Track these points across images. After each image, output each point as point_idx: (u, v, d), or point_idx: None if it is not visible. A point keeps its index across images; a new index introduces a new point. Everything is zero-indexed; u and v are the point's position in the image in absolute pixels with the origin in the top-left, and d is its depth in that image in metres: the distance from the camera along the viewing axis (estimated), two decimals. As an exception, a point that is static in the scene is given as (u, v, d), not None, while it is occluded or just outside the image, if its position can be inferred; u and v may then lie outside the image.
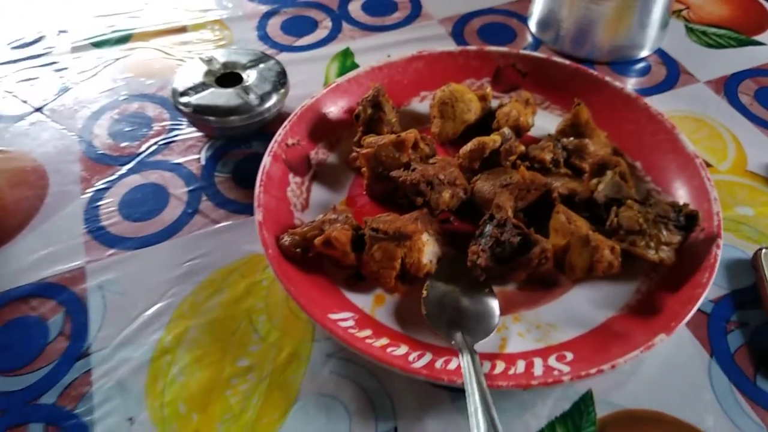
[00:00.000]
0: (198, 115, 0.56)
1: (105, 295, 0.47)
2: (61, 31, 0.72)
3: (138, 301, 0.47)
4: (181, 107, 0.56)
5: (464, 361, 0.39)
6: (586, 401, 0.41)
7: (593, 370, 0.38)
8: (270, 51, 0.68)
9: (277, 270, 0.44)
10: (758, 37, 0.69)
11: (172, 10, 0.74)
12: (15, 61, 0.68)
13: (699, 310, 0.45)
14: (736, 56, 0.67)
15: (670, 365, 0.43)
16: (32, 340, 0.45)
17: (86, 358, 0.44)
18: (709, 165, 0.55)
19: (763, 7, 0.74)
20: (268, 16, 0.74)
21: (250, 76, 0.58)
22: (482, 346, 0.42)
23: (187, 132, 0.60)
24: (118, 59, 0.69)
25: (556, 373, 0.40)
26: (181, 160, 0.57)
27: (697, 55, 0.67)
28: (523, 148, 0.52)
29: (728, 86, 0.63)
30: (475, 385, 0.38)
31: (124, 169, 0.57)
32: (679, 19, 0.72)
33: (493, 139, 0.51)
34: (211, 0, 0.76)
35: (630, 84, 0.65)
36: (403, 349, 0.42)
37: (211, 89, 0.57)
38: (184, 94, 0.57)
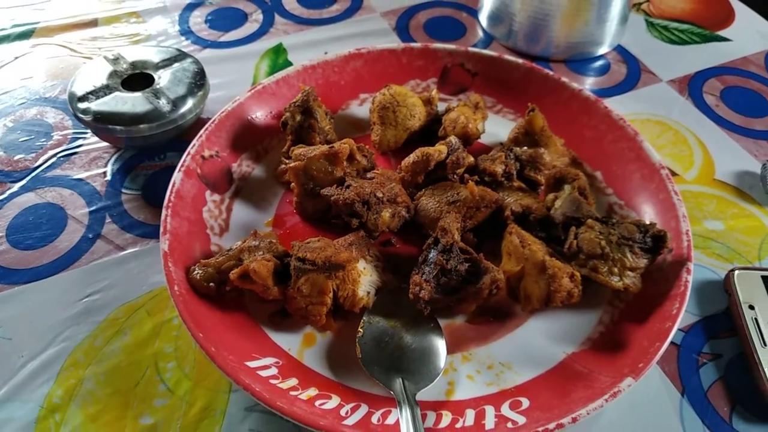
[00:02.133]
0: (100, 123, 0.48)
1: (-16, 341, 0.40)
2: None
3: (24, 348, 0.40)
4: (80, 115, 0.48)
5: (403, 418, 0.33)
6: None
7: (552, 425, 0.33)
8: (192, 48, 0.61)
9: (184, 311, 0.37)
10: (723, 32, 0.65)
11: (82, 1, 0.66)
12: None
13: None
14: (700, 53, 0.63)
15: (637, 405, 0.38)
16: None
17: (-45, 422, 0.37)
18: (674, 174, 0.51)
19: (727, 0, 0.70)
20: (191, 7, 0.66)
21: (162, 78, 0.51)
22: (427, 392, 0.36)
23: (93, 142, 0.53)
24: (17, 58, 0.60)
25: (510, 425, 0.34)
26: (83, 175, 0.50)
27: (658, 52, 0.63)
28: (471, 159, 0.46)
29: (692, 86, 0.59)
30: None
31: (16, 186, 0.49)
32: (640, 14, 0.68)
33: (439, 150, 0.45)
34: (128, -10, 0.68)
35: (588, 84, 0.60)
36: (334, 401, 0.36)
37: (116, 93, 0.50)
38: (83, 99, 0.49)
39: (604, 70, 0.61)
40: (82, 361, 0.39)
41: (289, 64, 0.60)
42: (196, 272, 0.40)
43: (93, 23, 0.64)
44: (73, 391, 0.38)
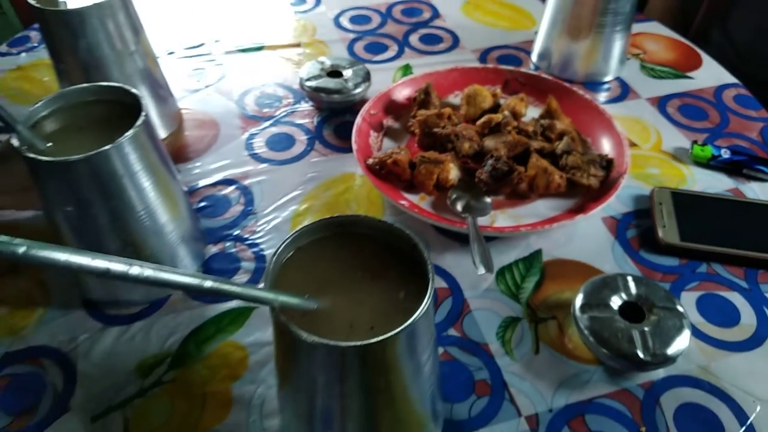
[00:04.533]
0: (316, 93, 0.90)
1: (262, 187, 0.81)
2: (216, 41, 1.08)
3: (280, 191, 0.80)
4: (306, 88, 0.90)
5: (469, 221, 0.71)
6: (537, 253, 0.72)
7: (539, 227, 0.70)
8: (357, 62, 1.03)
9: (367, 175, 0.76)
10: (690, 73, 1.01)
11: (291, 31, 1.10)
12: (189, 57, 1.04)
13: (612, 217, 0.77)
14: (671, 84, 0.99)
15: (590, 241, 0.74)
16: (222, 204, 0.78)
17: (254, 215, 0.77)
18: (636, 144, 0.87)
19: (698, 54, 1.06)
20: (354, 41, 1.09)
21: (348, 73, 0.93)
22: (482, 221, 0.73)
23: (304, 107, 0.94)
24: (256, 60, 1.04)
25: (520, 230, 0.71)
26: (301, 121, 0.91)
27: (644, 82, 0.99)
28: (515, 123, 0.84)
29: (661, 102, 0.95)
30: (474, 231, 0.69)
31: (267, 124, 0.91)
32: (637, 60, 1.05)
33: (498, 116, 0.84)
34: (317, 27, 1.12)
35: (597, 97, 0.97)
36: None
37: (324, 78, 0.91)
38: (308, 80, 0.91)
39: (607, 90, 0.98)
40: (310, 198, 0.79)
41: (412, 74, 1.00)
42: (369, 161, 0.79)
43: (298, 45, 1.07)
44: (308, 209, 0.77)
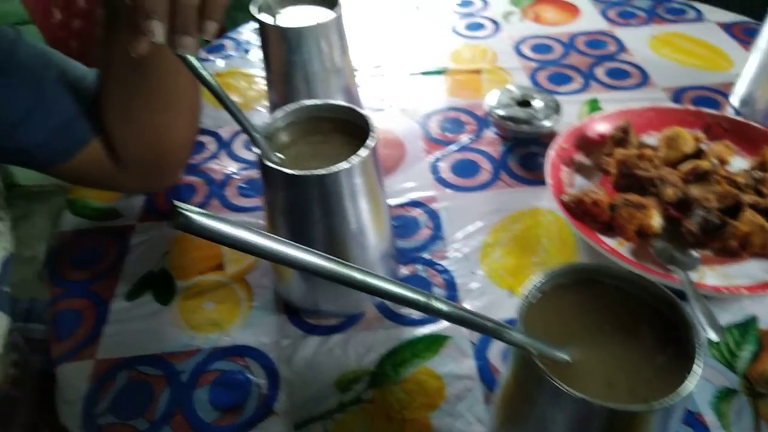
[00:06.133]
0: (504, 121, 0.89)
1: (449, 212, 0.80)
2: (398, 63, 1.10)
3: (468, 218, 0.79)
4: (495, 115, 0.89)
5: (683, 276, 0.66)
6: (752, 320, 0.67)
7: (759, 291, 0.64)
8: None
9: (565, 213, 0.74)
10: None
11: (471, 57, 1.10)
12: (372, 77, 1.07)
13: (838, 287, 0.69)
14: None
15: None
16: (411, 226, 0.78)
17: (442, 240, 0.76)
18: None
19: None
20: (537, 69, 1.07)
21: (537, 104, 0.91)
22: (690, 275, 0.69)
23: (488, 134, 0.93)
24: (438, 83, 1.04)
25: (730, 290, 0.66)
26: (486, 149, 0.90)
27: None
28: (724, 172, 0.79)
29: None
30: (691, 289, 0.65)
31: (451, 149, 0.91)
32: None
33: (705, 163, 0.79)
34: (498, 54, 1.11)
35: (806, 151, 0.89)
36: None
37: (514, 107, 0.90)
38: (496, 108, 0.90)
39: (820, 144, 0.90)
40: (498, 230, 0.77)
41: (599, 110, 0.97)
42: (564, 197, 0.77)
43: (479, 71, 1.07)
44: (497, 241, 0.76)
